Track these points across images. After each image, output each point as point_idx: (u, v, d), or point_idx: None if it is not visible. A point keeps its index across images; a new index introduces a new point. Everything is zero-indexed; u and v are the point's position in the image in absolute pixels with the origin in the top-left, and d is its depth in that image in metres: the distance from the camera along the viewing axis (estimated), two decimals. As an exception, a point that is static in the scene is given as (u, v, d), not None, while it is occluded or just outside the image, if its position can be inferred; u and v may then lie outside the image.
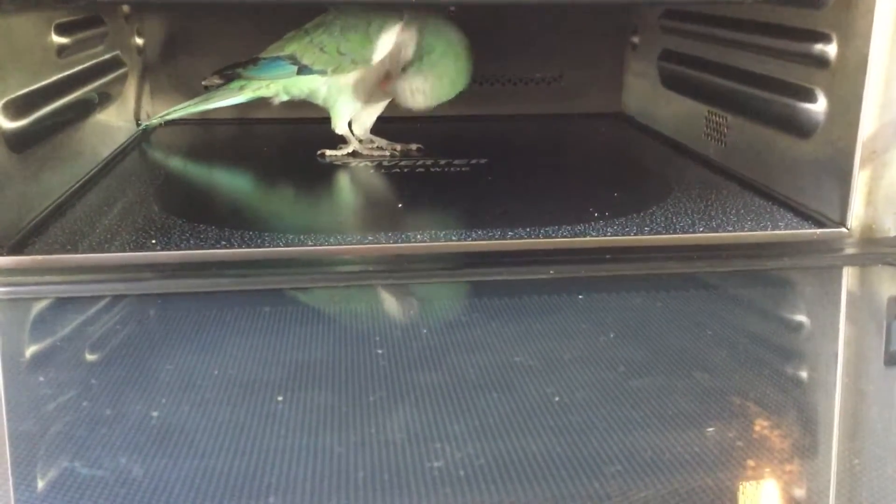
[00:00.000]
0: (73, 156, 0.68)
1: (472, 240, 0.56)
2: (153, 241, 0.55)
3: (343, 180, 0.73)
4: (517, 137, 0.93)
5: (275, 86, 0.79)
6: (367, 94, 0.79)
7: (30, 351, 0.44)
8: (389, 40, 0.76)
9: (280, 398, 0.36)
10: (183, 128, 0.93)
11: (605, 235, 0.58)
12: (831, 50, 0.60)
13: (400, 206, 0.66)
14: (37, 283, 0.50)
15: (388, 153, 0.80)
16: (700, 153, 0.80)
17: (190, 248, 0.54)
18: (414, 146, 0.81)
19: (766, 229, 0.59)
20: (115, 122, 0.82)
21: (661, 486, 0.31)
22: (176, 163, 0.80)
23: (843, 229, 0.58)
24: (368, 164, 0.77)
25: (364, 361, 0.40)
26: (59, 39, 0.66)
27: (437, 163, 0.77)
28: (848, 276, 0.57)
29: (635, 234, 0.58)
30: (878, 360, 0.46)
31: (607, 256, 0.55)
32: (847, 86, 0.58)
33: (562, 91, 1.01)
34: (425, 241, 0.56)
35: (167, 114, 0.84)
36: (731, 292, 0.54)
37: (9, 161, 0.56)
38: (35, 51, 0.63)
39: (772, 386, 0.40)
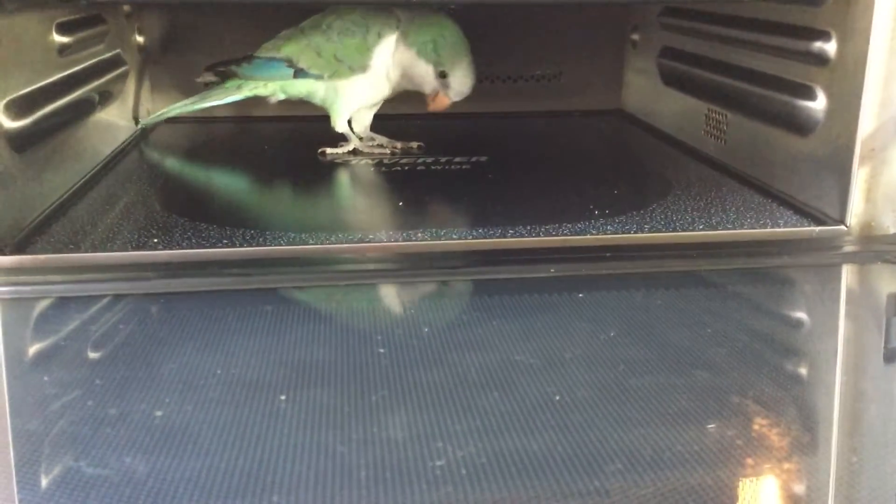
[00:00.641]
0: (75, 155, 0.68)
1: (472, 238, 0.56)
2: (155, 240, 0.55)
3: (344, 178, 0.74)
4: (518, 135, 0.93)
5: (272, 85, 0.79)
6: (367, 96, 0.79)
7: (33, 350, 0.44)
8: (387, 49, 0.76)
9: (283, 397, 0.37)
10: (184, 126, 0.93)
11: (606, 233, 0.58)
12: (831, 47, 0.60)
13: (401, 204, 0.66)
14: (39, 283, 0.50)
15: (388, 151, 0.80)
16: (700, 150, 0.80)
17: (192, 247, 0.54)
18: (415, 144, 0.81)
19: (766, 227, 0.59)
20: (117, 121, 0.82)
21: (661, 484, 0.31)
22: (177, 161, 0.80)
23: (843, 227, 0.59)
24: (369, 162, 0.78)
25: (366, 360, 0.40)
26: (60, 38, 0.66)
27: (437, 161, 0.77)
28: (847, 274, 0.57)
29: (635, 232, 0.58)
30: (876, 357, 0.46)
31: (608, 254, 0.55)
32: (846, 83, 0.58)
33: (562, 88, 1.01)
34: (426, 240, 0.56)
35: (165, 112, 0.84)
36: (731, 290, 0.54)
37: (11, 161, 0.56)
38: (37, 50, 0.63)
39: (771, 384, 0.40)
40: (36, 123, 0.60)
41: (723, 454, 0.34)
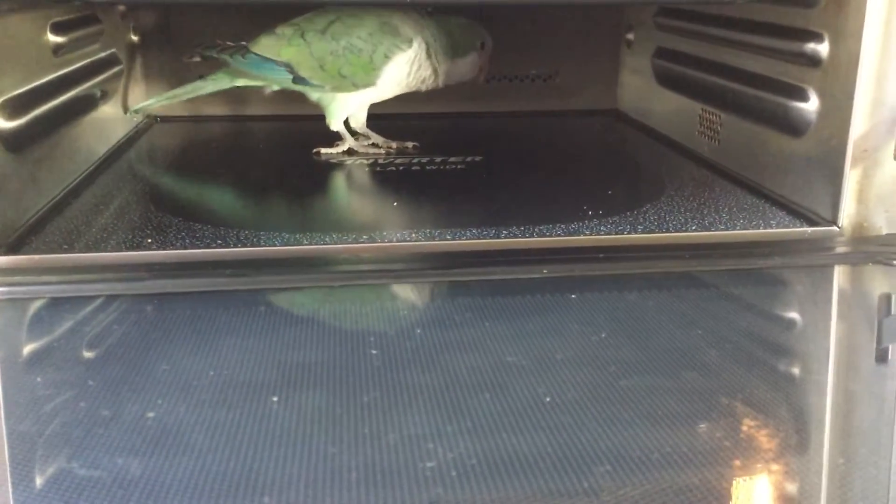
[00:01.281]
0: (70, 154, 0.68)
1: (466, 239, 0.57)
2: (149, 241, 0.55)
3: (338, 178, 0.74)
4: (512, 134, 0.93)
5: (267, 82, 0.78)
6: (368, 103, 0.79)
7: (27, 351, 0.44)
8: (397, 69, 0.75)
9: (275, 398, 0.37)
10: (178, 125, 0.93)
11: (599, 234, 0.58)
12: (823, 49, 0.60)
13: (395, 204, 0.67)
14: (34, 283, 0.51)
15: (383, 151, 0.80)
16: (694, 151, 0.80)
17: (186, 248, 0.54)
18: (410, 144, 0.81)
19: (759, 228, 0.60)
20: (111, 120, 0.82)
21: (650, 485, 0.31)
22: (171, 160, 0.80)
23: (835, 228, 0.59)
24: (364, 161, 0.78)
25: (358, 362, 0.40)
26: (55, 38, 0.66)
27: (432, 160, 0.78)
28: (839, 275, 0.57)
29: (629, 233, 0.58)
30: (868, 358, 0.46)
31: (600, 255, 0.55)
32: (839, 85, 0.58)
33: (557, 88, 1.02)
34: (420, 240, 0.56)
35: (156, 100, 0.83)
36: (723, 291, 0.54)
37: (5, 161, 0.56)
38: (31, 50, 0.63)
39: (763, 385, 0.40)
40: (30, 123, 0.60)
41: (712, 455, 0.34)
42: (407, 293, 0.53)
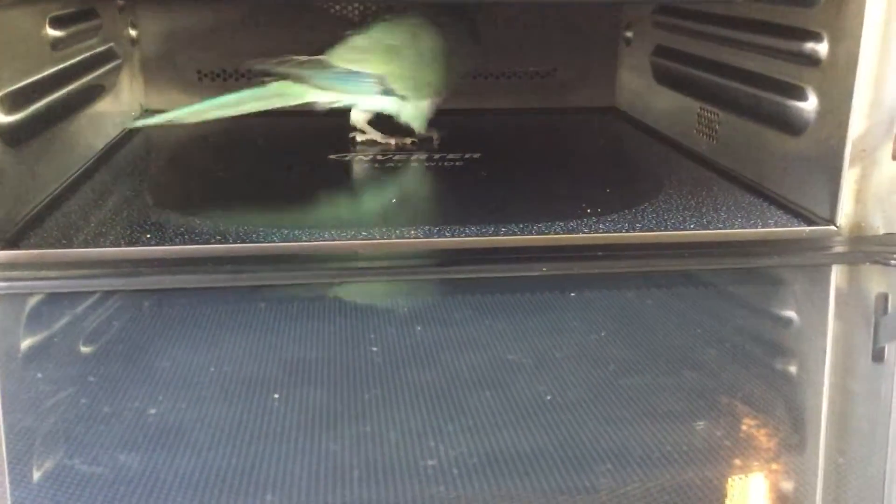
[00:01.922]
0: (68, 149, 0.68)
1: (465, 236, 0.57)
2: (148, 236, 0.55)
3: (337, 175, 0.74)
4: (511, 132, 0.93)
5: (349, 98, 0.76)
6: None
7: (25, 346, 0.44)
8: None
9: (276, 395, 0.37)
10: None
11: (598, 232, 0.58)
12: (822, 49, 0.60)
13: (394, 201, 0.67)
14: (32, 279, 0.50)
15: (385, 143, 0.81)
16: (692, 149, 0.80)
17: (184, 244, 0.54)
18: (409, 140, 0.81)
19: (757, 227, 0.60)
20: (110, 115, 0.82)
21: (650, 484, 0.32)
22: (170, 156, 0.80)
23: (833, 227, 0.59)
24: (363, 158, 0.78)
25: (359, 359, 0.41)
26: (53, 33, 0.66)
27: (431, 157, 0.78)
28: (836, 274, 0.57)
29: (627, 231, 0.58)
30: (865, 357, 0.46)
31: (599, 253, 0.55)
32: (837, 85, 0.58)
33: (555, 85, 1.02)
34: (419, 237, 0.56)
35: (200, 107, 0.73)
36: (722, 290, 0.55)
37: (4, 155, 0.56)
38: (30, 45, 0.63)
39: (761, 384, 0.41)
40: (29, 118, 0.60)
41: (710, 454, 0.34)
42: (407, 290, 0.53)
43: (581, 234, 0.58)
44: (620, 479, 0.32)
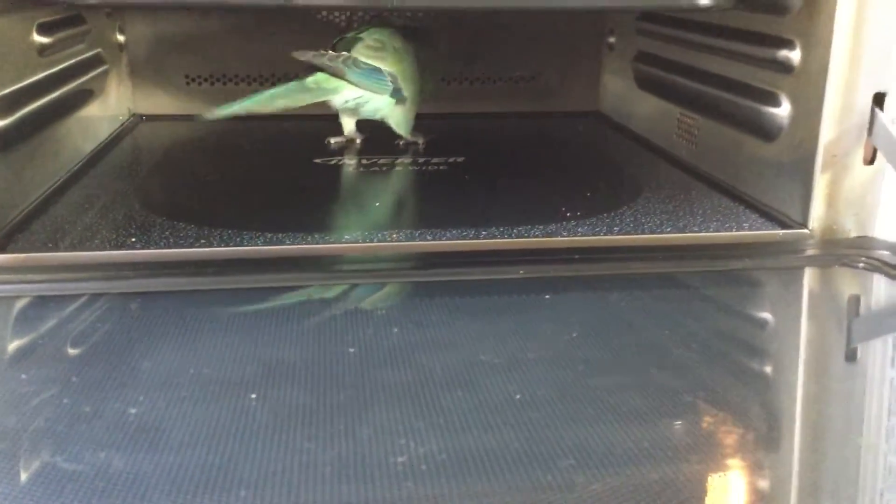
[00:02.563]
0: (56, 153, 0.69)
1: (446, 239, 0.58)
2: (133, 240, 0.56)
3: (321, 178, 0.74)
4: (495, 136, 0.94)
5: (368, 95, 0.77)
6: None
7: (11, 349, 0.45)
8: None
9: (253, 395, 0.38)
10: (163, 123, 0.93)
11: (576, 235, 0.59)
12: (795, 56, 0.62)
13: (377, 204, 0.68)
14: (19, 282, 0.51)
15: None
16: (672, 153, 0.82)
17: (169, 247, 0.55)
18: (401, 142, 0.83)
19: (731, 230, 0.61)
20: (97, 118, 0.82)
21: (622, 482, 0.33)
22: (156, 159, 0.81)
23: (805, 230, 0.60)
24: (348, 162, 0.79)
25: (336, 360, 0.42)
26: (40, 39, 0.67)
27: (415, 161, 0.79)
28: (809, 277, 0.58)
29: (605, 234, 0.59)
30: (837, 359, 0.47)
31: (576, 256, 0.56)
32: (809, 91, 0.60)
33: (540, 89, 1.03)
34: (401, 241, 0.57)
35: (240, 106, 0.72)
36: (697, 292, 0.56)
37: (-8, 160, 0.57)
38: (17, 51, 0.63)
39: (734, 384, 0.42)
40: (17, 123, 0.61)
41: (685, 453, 0.35)
42: (387, 293, 0.54)
43: (559, 238, 0.59)
44: (590, 476, 0.33)
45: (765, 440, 0.37)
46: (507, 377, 0.40)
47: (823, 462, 0.36)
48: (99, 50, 0.83)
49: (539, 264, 0.56)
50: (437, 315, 0.48)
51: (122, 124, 0.90)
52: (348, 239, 0.57)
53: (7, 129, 0.59)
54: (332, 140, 0.82)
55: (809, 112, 0.60)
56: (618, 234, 0.60)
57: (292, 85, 0.75)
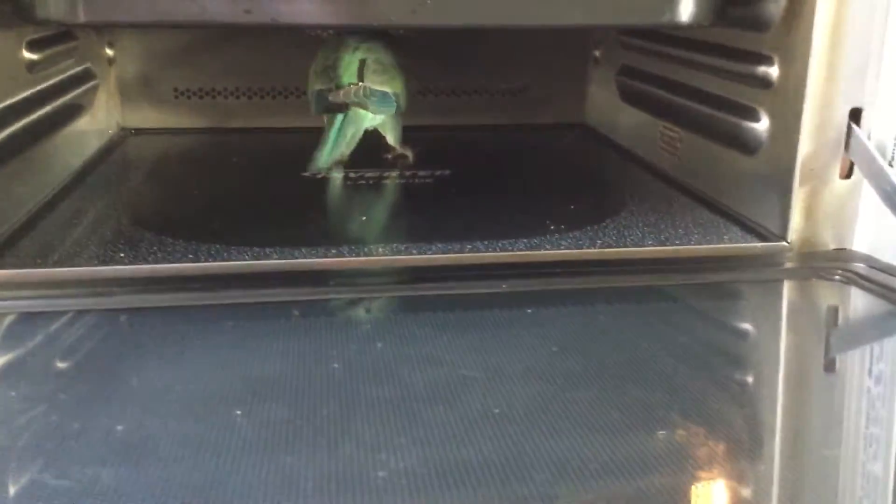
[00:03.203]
0: (45, 168, 0.70)
1: (431, 253, 0.58)
2: (121, 255, 0.56)
3: (309, 192, 0.75)
4: (481, 148, 0.95)
5: (383, 113, 0.78)
6: None
7: (0, 365, 0.45)
8: None
9: (238, 412, 0.39)
10: (152, 137, 0.94)
11: (559, 249, 0.60)
12: (774, 72, 0.63)
13: (364, 218, 0.68)
14: (8, 298, 0.52)
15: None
16: (656, 166, 0.83)
17: (157, 262, 0.55)
18: (390, 155, 0.84)
19: (712, 243, 0.62)
20: (86, 133, 0.83)
21: (590, 494, 0.33)
22: (145, 173, 0.81)
23: (784, 243, 0.61)
24: (335, 175, 0.79)
25: (321, 375, 0.42)
26: (29, 55, 0.68)
27: (402, 174, 0.79)
28: (788, 289, 0.59)
29: (588, 248, 0.60)
30: (816, 370, 0.48)
31: (558, 270, 0.57)
32: (787, 107, 0.61)
33: (526, 102, 1.04)
34: (387, 255, 0.58)
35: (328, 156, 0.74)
36: (676, 305, 0.56)
37: (-19, 177, 0.57)
38: (6, 68, 0.64)
39: (714, 396, 0.42)
40: (6, 139, 0.61)
41: (665, 465, 0.35)
42: (371, 307, 0.54)
43: (542, 251, 0.59)
44: (570, 490, 0.33)
45: (745, 450, 0.38)
46: (487, 391, 0.41)
47: (804, 471, 0.37)
48: (88, 65, 0.84)
49: (522, 278, 0.56)
50: (420, 330, 0.48)
51: (110, 138, 0.90)
52: (335, 253, 0.58)
53: (-4, 145, 0.60)
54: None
55: (788, 127, 0.61)
56: (601, 248, 0.60)
57: (346, 119, 0.75)
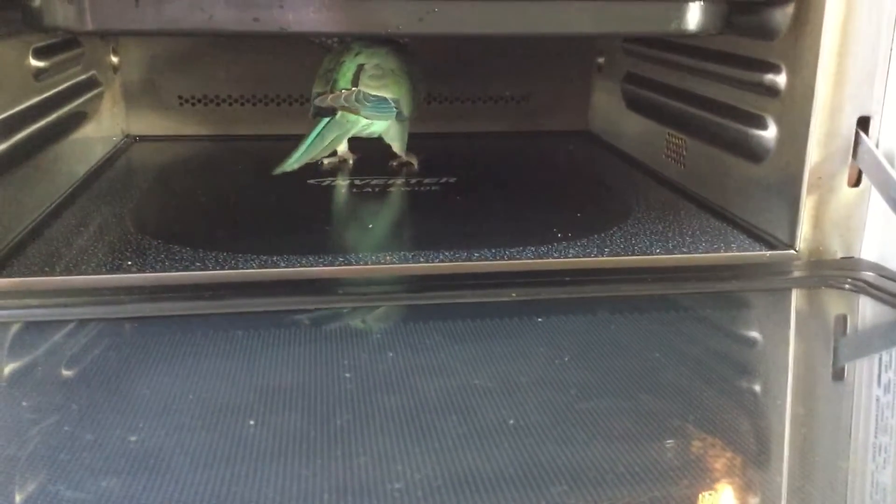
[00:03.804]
0: (50, 176, 0.70)
1: (439, 261, 0.58)
2: (129, 263, 0.56)
3: (316, 200, 0.75)
4: (486, 155, 0.95)
5: (378, 124, 0.78)
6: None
7: (8, 375, 0.45)
8: None
9: (252, 422, 0.38)
10: (157, 144, 0.94)
11: (567, 257, 0.60)
12: (781, 80, 0.63)
13: (371, 226, 0.68)
14: (15, 307, 0.51)
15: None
16: (661, 173, 0.83)
17: (165, 270, 0.55)
18: (395, 163, 0.84)
19: (720, 251, 0.62)
20: (92, 140, 0.83)
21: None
22: (150, 181, 0.81)
23: (792, 251, 0.61)
24: (341, 182, 0.79)
25: (332, 385, 0.42)
26: (37, 63, 0.68)
27: (407, 182, 0.79)
28: (797, 297, 0.59)
29: (595, 256, 0.60)
30: (825, 379, 0.48)
31: (567, 279, 0.57)
32: (795, 115, 0.61)
33: (531, 109, 1.04)
34: (395, 263, 0.58)
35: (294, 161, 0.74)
36: (685, 314, 0.56)
37: (-12, 185, 0.57)
38: (14, 76, 0.64)
39: (723, 405, 0.42)
40: (13, 147, 0.61)
41: (675, 475, 0.35)
42: (381, 315, 0.54)
43: (551, 259, 0.59)
44: (583, 501, 0.33)
45: (755, 460, 0.38)
46: (501, 402, 0.40)
47: (812, 480, 0.37)
48: (93, 72, 0.84)
49: (531, 286, 0.56)
50: (431, 338, 0.48)
51: (115, 145, 0.90)
52: (342, 262, 0.58)
53: (4, 153, 0.60)
54: (325, 160, 0.83)
55: (796, 135, 0.61)
56: (609, 256, 0.60)
57: (333, 122, 0.75)
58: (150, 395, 0.41)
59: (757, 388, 0.46)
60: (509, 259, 0.59)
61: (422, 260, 0.58)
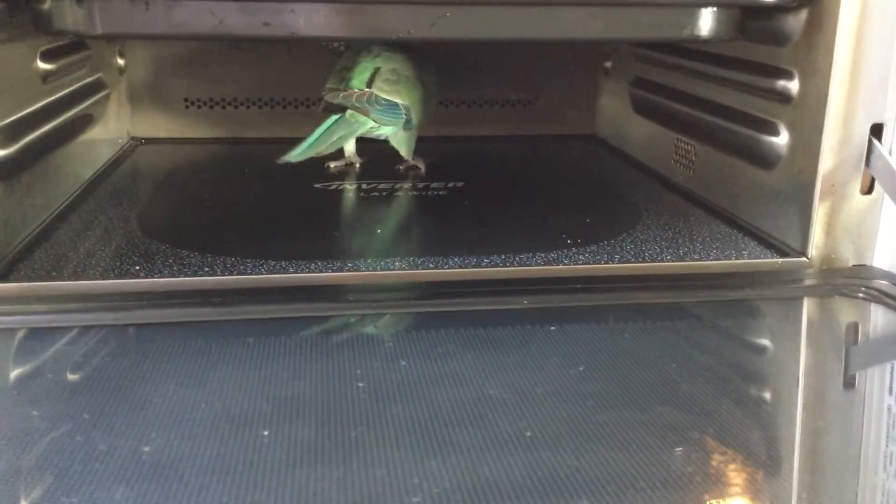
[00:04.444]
0: (58, 179, 0.69)
1: (448, 267, 0.58)
2: (137, 268, 0.56)
3: (324, 204, 0.75)
4: (493, 160, 0.95)
5: (386, 129, 0.79)
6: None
7: (14, 382, 0.45)
8: None
9: (266, 432, 0.38)
10: (163, 147, 0.94)
11: (577, 264, 0.59)
12: (793, 86, 0.62)
13: (379, 231, 0.68)
14: (21, 313, 0.51)
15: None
16: (670, 178, 0.82)
17: (173, 276, 0.55)
18: (402, 167, 0.83)
19: (731, 258, 0.61)
20: (98, 143, 0.82)
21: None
22: (157, 184, 0.81)
23: (804, 259, 0.61)
24: (348, 187, 0.79)
25: (346, 395, 0.42)
26: (44, 66, 0.67)
27: (415, 186, 0.79)
28: (809, 305, 0.59)
29: (605, 263, 0.60)
30: (836, 387, 0.48)
31: (578, 286, 0.57)
32: (808, 121, 0.60)
33: (537, 113, 1.04)
34: (404, 269, 0.57)
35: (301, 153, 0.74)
36: (697, 323, 0.56)
37: (-5, 189, 0.57)
38: (21, 79, 0.63)
39: (735, 414, 0.42)
40: (20, 151, 0.61)
41: (686, 485, 0.35)
42: (392, 323, 0.54)
43: (561, 266, 0.59)
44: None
45: (766, 468, 0.38)
46: (517, 413, 0.40)
47: (824, 488, 0.37)
48: (100, 74, 0.84)
49: (542, 294, 0.56)
50: (443, 347, 0.48)
51: (121, 148, 0.90)
52: (351, 267, 0.57)
53: (10, 157, 0.59)
54: (332, 164, 0.83)
55: (808, 142, 0.60)
56: (619, 263, 0.60)
57: (340, 121, 0.76)
58: (161, 404, 0.41)
59: (771, 398, 0.46)
60: (520, 265, 0.59)
61: (431, 266, 0.58)
